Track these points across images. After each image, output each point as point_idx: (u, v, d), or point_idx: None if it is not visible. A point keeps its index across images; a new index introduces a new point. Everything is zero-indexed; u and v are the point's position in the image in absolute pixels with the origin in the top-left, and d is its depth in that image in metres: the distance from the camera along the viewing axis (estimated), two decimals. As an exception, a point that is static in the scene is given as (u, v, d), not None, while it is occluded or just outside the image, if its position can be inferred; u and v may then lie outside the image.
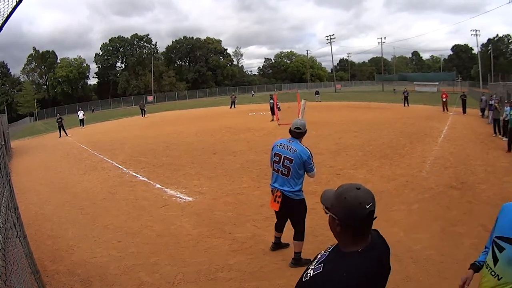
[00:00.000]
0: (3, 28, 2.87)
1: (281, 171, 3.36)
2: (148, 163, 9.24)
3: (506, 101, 11.67)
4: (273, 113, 17.07)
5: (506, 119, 9.81)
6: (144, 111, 27.87)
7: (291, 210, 3.42)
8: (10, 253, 2.43)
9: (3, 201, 2.66)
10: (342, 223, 1.15)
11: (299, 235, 3.45)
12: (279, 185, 3.39)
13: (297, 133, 3.40)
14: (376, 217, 1.17)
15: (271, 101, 17.19)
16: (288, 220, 3.58)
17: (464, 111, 17.42)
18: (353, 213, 1.12)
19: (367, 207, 1.12)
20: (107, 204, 6.06)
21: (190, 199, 5.99)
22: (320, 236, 4.11)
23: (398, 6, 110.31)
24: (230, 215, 5.07)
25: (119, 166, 9.20)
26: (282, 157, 3.35)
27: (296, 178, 3.33)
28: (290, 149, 3.34)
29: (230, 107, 28.03)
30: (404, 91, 23.52)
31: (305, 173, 3.41)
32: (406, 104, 22.58)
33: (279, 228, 3.75)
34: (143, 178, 7.66)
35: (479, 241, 3.87)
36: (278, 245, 3.86)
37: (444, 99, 18.42)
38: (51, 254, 4.21)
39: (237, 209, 5.30)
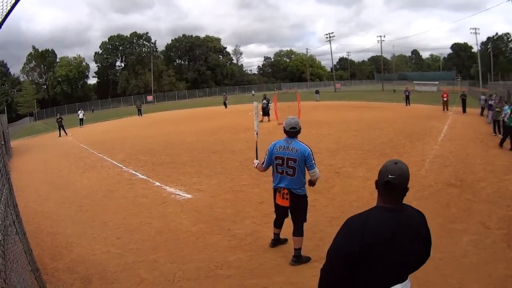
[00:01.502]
0: (2, 26, 2.87)
1: (286, 171, 3.37)
2: (148, 161, 9.25)
3: (505, 101, 11.69)
4: (264, 114, 16.83)
5: (506, 118, 9.80)
6: (140, 110, 27.82)
7: (296, 204, 3.44)
8: (10, 251, 2.42)
9: (2, 199, 2.66)
10: (376, 182, 1.51)
11: (299, 230, 3.47)
12: (285, 185, 3.40)
13: (293, 132, 3.42)
14: (406, 189, 1.45)
15: (264, 101, 16.97)
16: (289, 216, 3.59)
17: (464, 111, 17.41)
18: (380, 176, 1.48)
19: (389, 176, 1.42)
20: (106, 202, 6.07)
21: (190, 196, 6.00)
22: (319, 232, 4.12)
23: (398, 3, 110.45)
24: (229, 212, 5.09)
25: (119, 164, 9.20)
26: (285, 158, 3.36)
27: (301, 176, 3.38)
28: (292, 149, 3.35)
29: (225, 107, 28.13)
30: (406, 90, 23.38)
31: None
32: (407, 103, 22.52)
33: (278, 224, 3.77)
34: (142, 176, 7.67)
35: (478, 237, 3.88)
36: (277, 241, 3.88)
37: (445, 99, 18.37)
38: (51, 251, 4.22)
39: (236, 206, 5.31)
